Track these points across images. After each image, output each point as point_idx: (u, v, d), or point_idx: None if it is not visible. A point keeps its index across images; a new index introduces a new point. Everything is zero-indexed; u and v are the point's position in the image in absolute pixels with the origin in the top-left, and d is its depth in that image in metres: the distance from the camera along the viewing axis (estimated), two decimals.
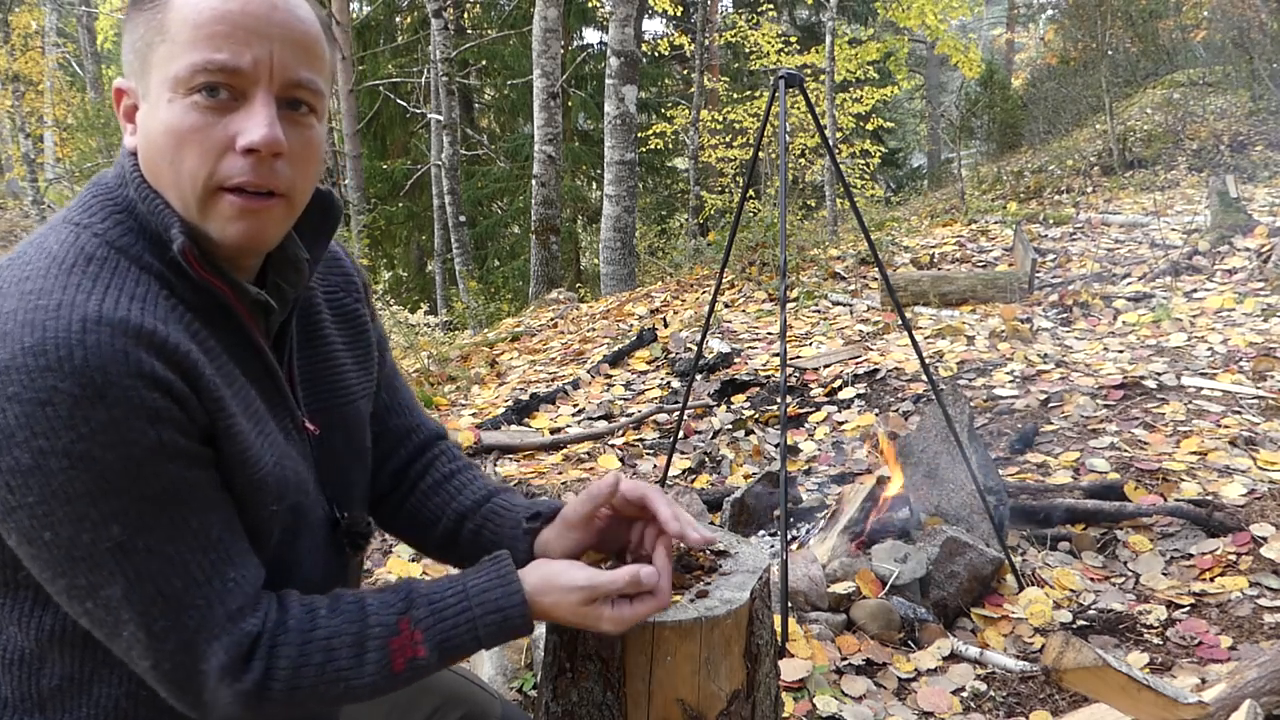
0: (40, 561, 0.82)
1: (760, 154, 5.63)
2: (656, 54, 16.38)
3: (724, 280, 5.39)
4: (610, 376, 5.11)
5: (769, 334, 5.49)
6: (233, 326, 0.93)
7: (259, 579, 0.90)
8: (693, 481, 3.69)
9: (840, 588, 2.49)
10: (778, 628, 2.20)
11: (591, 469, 3.85)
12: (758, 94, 15.82)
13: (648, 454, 4.04)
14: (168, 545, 0.83)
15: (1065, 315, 5.40)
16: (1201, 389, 3.92)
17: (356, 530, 1.09)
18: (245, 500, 0.90)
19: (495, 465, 3.90)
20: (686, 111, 14.66)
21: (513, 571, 1.00)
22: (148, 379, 0.80)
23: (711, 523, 2.98)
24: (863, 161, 15.60)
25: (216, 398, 0.86)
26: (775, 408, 4.31)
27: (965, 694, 2.26)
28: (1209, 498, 3.05)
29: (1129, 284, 5.83)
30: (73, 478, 0.78)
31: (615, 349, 5.53)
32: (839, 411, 4.22)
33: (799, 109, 12.33)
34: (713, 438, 4.11)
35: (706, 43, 14.33)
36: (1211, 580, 2.68)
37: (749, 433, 4.12)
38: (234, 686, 0.86)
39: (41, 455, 0.77)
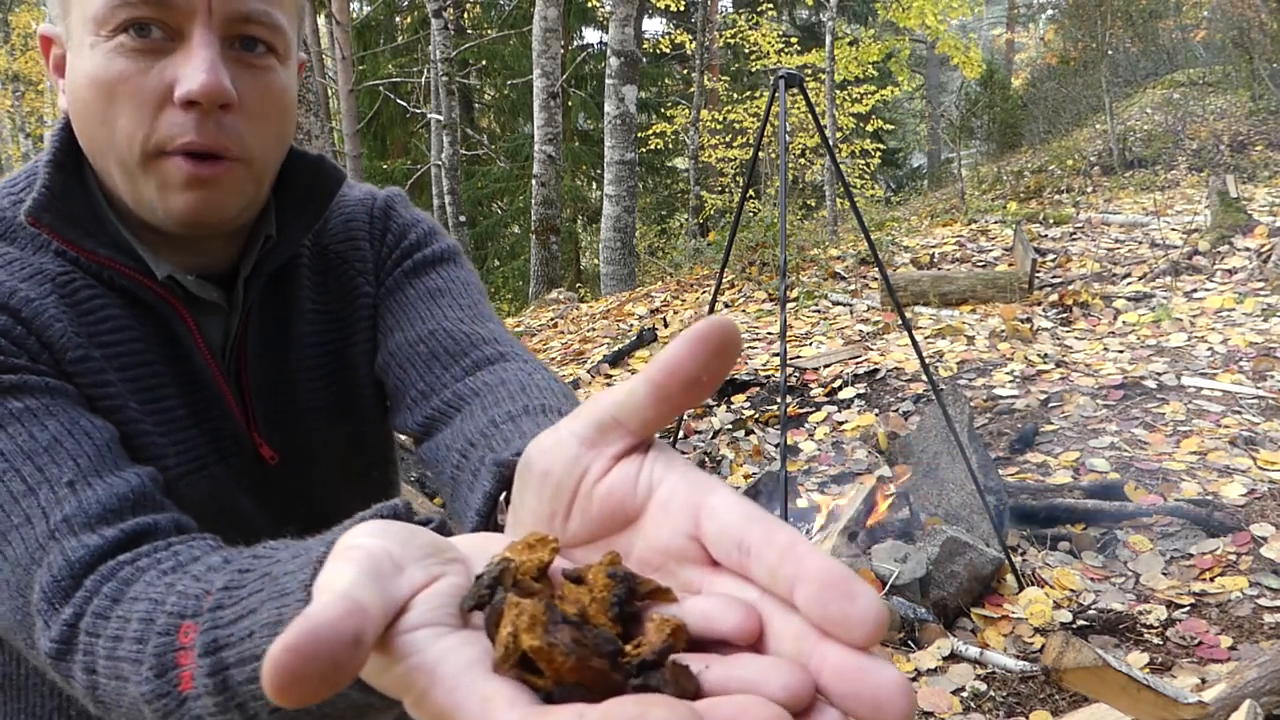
0: None
1: (760, 154, 5.63)
2: (656, 54, 16.38)
3: (724, 280, 5.39)
4: (610, 376, 5.11)
5: (769, 334, 5.49)
6: (155, 317, 0.76)
7: (129, 490, 0.64)
8: None
9: None
10: None
11: None
12: (758, 94, 15.83)
13: None
14: None
15: (1065, 315, 5.40)
16: (1201, 389, 3.92)
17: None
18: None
19: None
20: (686, 111, 14.66)
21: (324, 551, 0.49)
22: None
23: None
24: (863, 161, 15.60)
25: (79, 358, 0.70)
26: (775, 408, 4.31)
27: (965, 694, 2.26)
28: (1209, 498, 3.05)
29: (1129, 284, 5.83)
30: None
31: (615, 349, 5.52)
32: (839, 411, 4.22)
33: (799, 109, 12.33)
34: (713, 438, 4.11)
35: (706, 42, 14.34)
36: (1211, 580, 2.68)
37: (749, 433, 4.12)
38: (45, 637, 0.58)
39: None
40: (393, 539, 0.35)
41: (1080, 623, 2.56)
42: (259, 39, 0.71)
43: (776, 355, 4.37)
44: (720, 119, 15.34)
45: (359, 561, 0.33)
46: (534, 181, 9.61)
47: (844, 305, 6.11)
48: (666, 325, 6.12)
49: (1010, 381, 4.25)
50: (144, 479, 0.65)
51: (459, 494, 0.69)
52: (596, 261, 11.44)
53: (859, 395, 4.31)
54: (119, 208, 0.75)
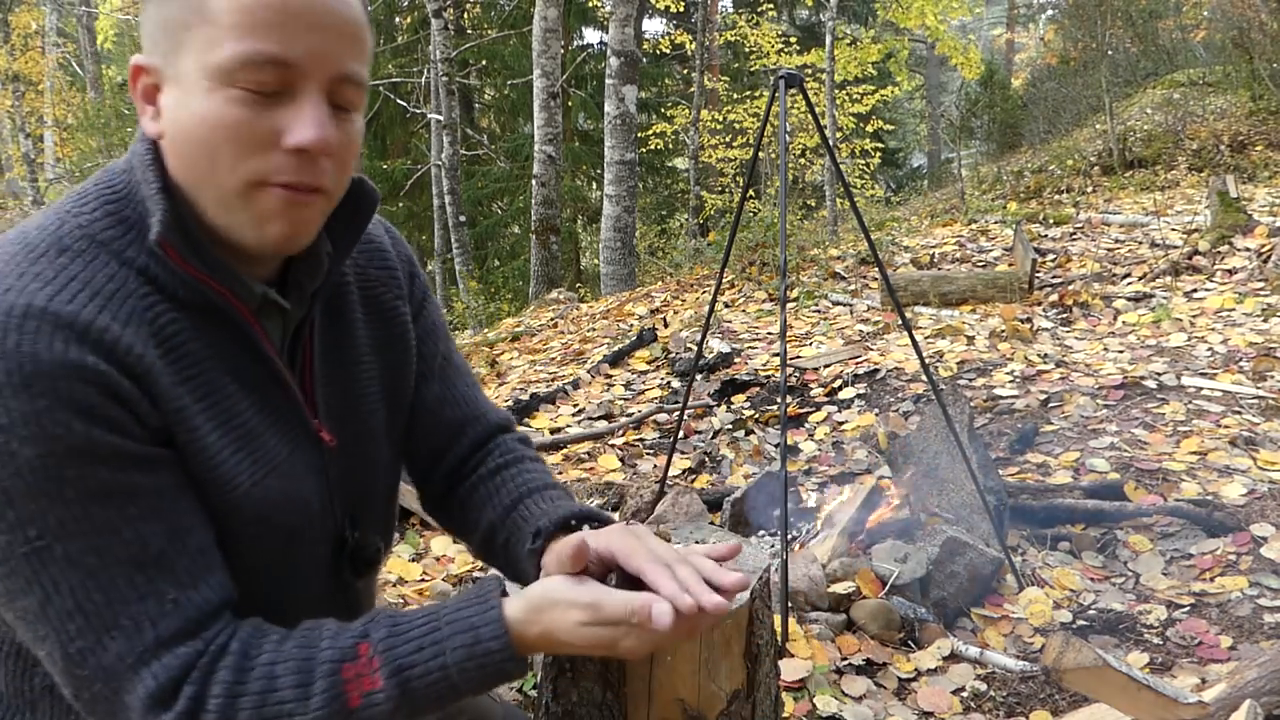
0: None
1: (760, 154, 5.63)
2: (657, 54, 16.38)
3: (724, 280, 5.39)
4: (610, 376, 5.11)
5: (769, 334, 5.49)
6: (230, 328, 0.85)
7: (216, 601, 0.80)
8: (693, 481, 3.69)
9: (840, 588, 2.49)
10: (778, 628, 2.20)
11: (592, 469, 3.85)
12: (758, 94, 15.83)
13: (648, 454, 4.04)
14: (90, 556, 0.74)
15: (1065, 315, 5.40)
16: (1201, 389, 3.92)
17: (363, 554, 1.00)
18: (217, 521, 0.83)
19: None
20: (686, 111, 14.66)
21: (492, 591, 0.85)
22: (84, 374, 0.73)
23: (711, 523, 2.99)
24: (863, 161, 15.60)
25: (176, 409, 0.79)
26: (775, 408, 4.31)
27: (965, 694, 2.26)
28: (1209, 498, 3.05)
29: (1129, 284, 5.83)
30: None
31: (615, 349, 5.53)
32: (839, 411, 4.22)
33: (799, 109, 12.33)
34: (713, 438, 4.11)
35: (706, 42, 14.34)
36: (1211, 580, 2.69)
37: (749, 433, 4.12)
38: (162, 718, 0.75)
39: None
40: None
41: (1080, 623, 2.56)
42: (348, 97, 0.83)
43: (776, 355, 4.37)
44: (720, 119, 15.34)
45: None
46: (534, 181, 9.61)
47: (844, 305, 6.11)
48: (666, 325, 6.12)
49: (1010, 381, 4.25)
50: (227, 589, 0.81)
51: (515, 536, 1.02)
52: (596, 261, 11.43)
53: (859, 395, 4.31)
54: (206, 229, 0.83)
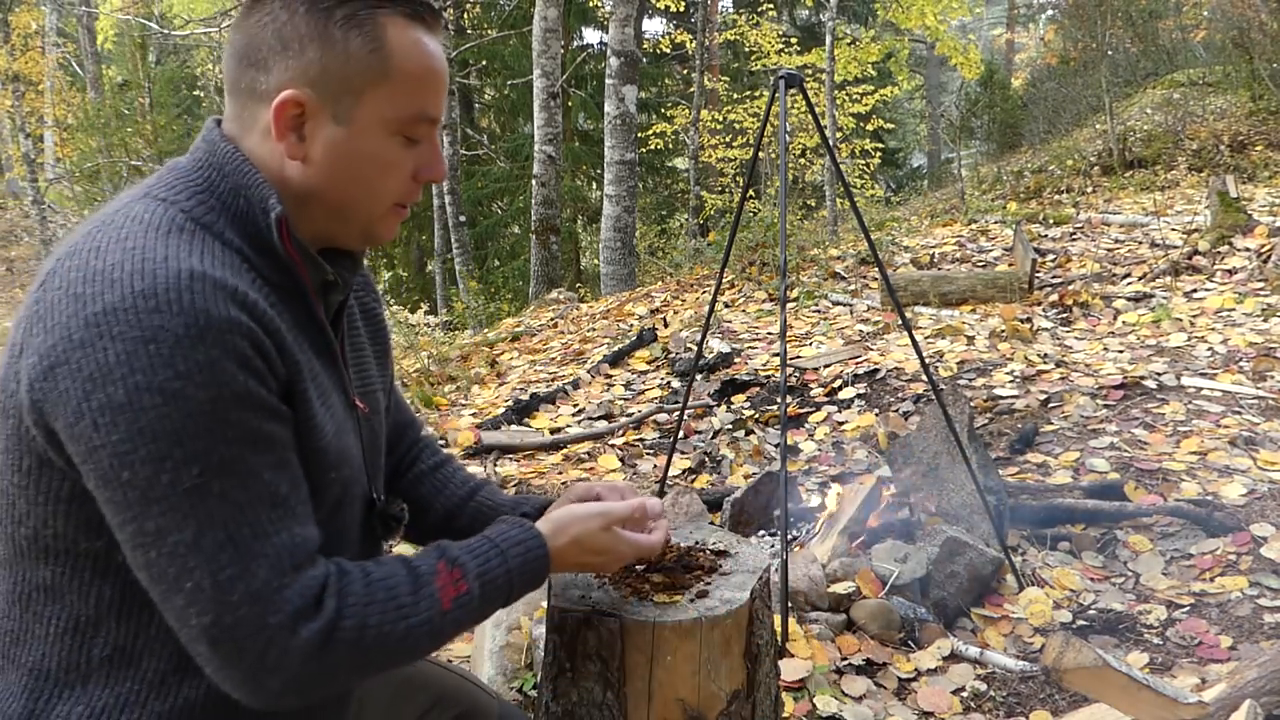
0: (114, 505, 0.83)
1: (760, 154, 5.63)
2: (657, 54, 16.38)
3: (724, 280, 5.39)
4: (610, 376, 5.11)
5: (769, 334, 5.49)
6: (302, 303, 0.98)
7: (318, 542, 0.92)
8: (693, 481, 3.69)
9: (840, 588, 2.49)
10: (778, 628, 2.20)
11: (592, 469, 3.85)
12: (758, 94, 15.83)
13: (648, 454, 4.04)
14: (240, 493, 0.84)
15: (1065, 315, 5.40)
16: (1201, 389, 3.92)
17: (391, 513, 1.14)
18: (308, 468, 0.94)
19: (495, 465, 3.91)
20: (686, 111, 14.66)
21: (527, 520, 1.09)
22: (241, 329, 0.84)
23: (711, 522, 2.98)
24: (863, 161, 15.60)
25: (295, 361, 0.91)
26: (775, 408, 4.31)
27: (965, 694, 2.26)
28: (1209, 498, 3.05)
29: (1129, 284, 5.83)
30: (163, 415, 0.81)
31: (615, 349, 5.52)
32: (839, 411, 4.22)
33: (799, 109, 12.32)
34: (713, 438, 4.11)
35: (706, 42, 14.34)
36: (1211, 580, 2.69)
37: (749, 433, 4.12)
38: (308, 628, 0.86)
39: (136, 391, 0.80)
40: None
41: (1080, 623, 2.56)
42: None
43: (776, 355, 4.37)
44: (720, 119, 15.34)
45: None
46: (534, 181, 9.61)
47: (844, 305, 6.11)
48: (666, 325, 6.12)
49: (1010, 381, 4.25)
50: (319, 532, 0.94)
51: (479, 518, 1.23)
52: (596, 261, 11.43)
53: (859, 395, 4.31)
54: (300, 226, 0.99)
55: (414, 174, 1.01)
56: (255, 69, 0.94)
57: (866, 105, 14.62)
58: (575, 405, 4.70)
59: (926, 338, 5.09)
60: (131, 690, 0.92)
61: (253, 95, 0.95)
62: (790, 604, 2.43)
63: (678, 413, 3.64)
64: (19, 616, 0.93)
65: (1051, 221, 7.80)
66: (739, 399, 4.54)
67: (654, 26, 19.14)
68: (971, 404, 3.33)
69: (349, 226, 1.01)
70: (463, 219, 11.77)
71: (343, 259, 1.05)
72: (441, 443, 4.16)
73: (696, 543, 1.34)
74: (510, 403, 4.73)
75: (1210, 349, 4.40)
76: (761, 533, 2.96)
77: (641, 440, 4.20)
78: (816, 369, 4.69)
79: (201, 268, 0.85)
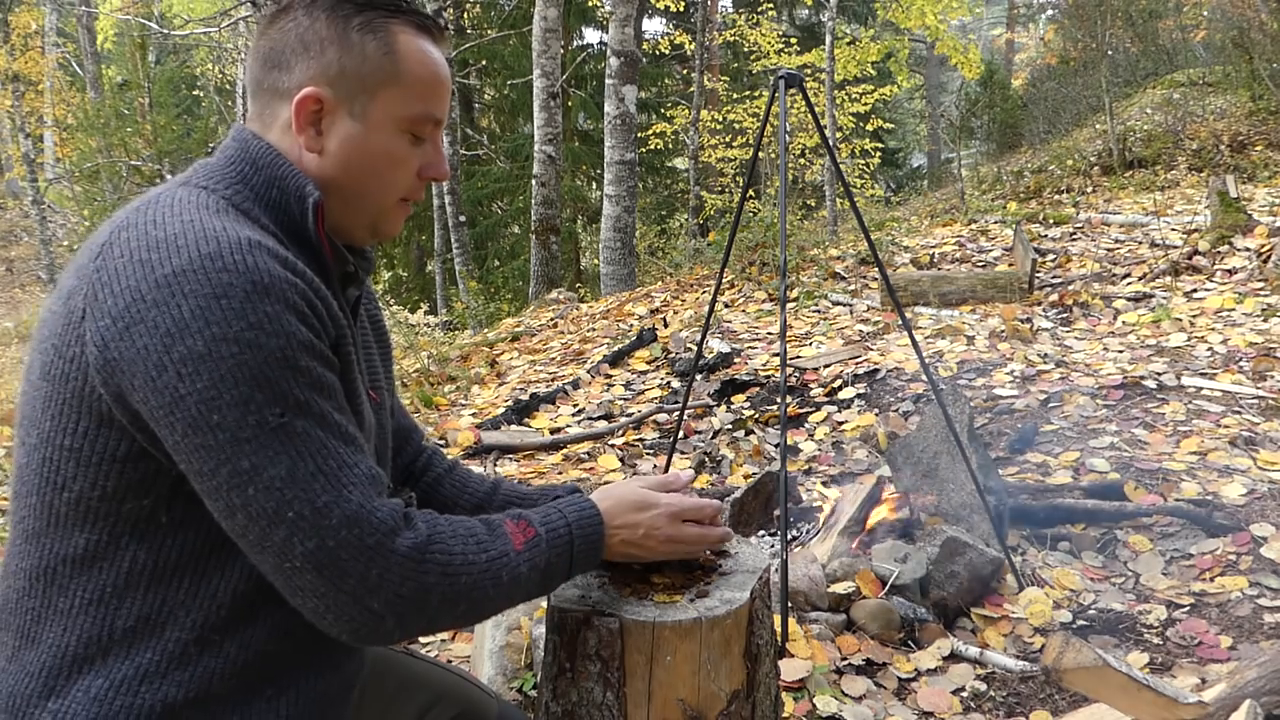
0: (204, 450, 0.87)
1: (760, 154, 5.63)
2: (656, 54, 16.38)
3: (724, 280, 5.39)
4: (610, 376, 5.11)
5: (769, 334, 5.49)
6: (328, 289, 1.03)
7: (385, 478, 0.99)
8: (693, 481, 3.69)
9: (840, 588, 2.49)
10: (778, 628, 2.20)
11: (591, 469, 3.85)
12: (758, 94, 15.83)
13: (648, 454, 4.04)
14: (319, 430, 0.91)
15: (1065, 315, 5.40)
16: (1201, 389, 3.92)
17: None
18: None
19: (495, 465, 3.91)
20: (686, 111, 14.66)
21: (578, 492, 1.19)
22: (297, 289, 0.91)
23: None
24: (863, 161, 15.60)
25: (340, 325, 0.98)
26: (775, 408, 4.31)
27: (965, 694, 2.26)
28: (1209, 498, 3.05)
29: (1129, 284, 5.83)
30: (242, 362, 0.86)
31: (615, 349, 5.52)
32: (839, 411, 4.22)
33: (799, 109, 12.33)
34: (713, 438, 4.11)
35: (706, 42, 14.34)
36: (1211, 580, 2.68)
37: (749, 433, 4.12)
38: (403, 541, 0.92)
39: (215, 342, 0.86)
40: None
41: (1080, 623, 2.56)
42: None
43: (776, 355, 4.37)
44: (720, 119, 15.34)
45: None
46: (534, 181, 9.61)
47: (844, 305, 6.11)
48: (666, 325, 6.12)
49: (1010, 381, 4.25)
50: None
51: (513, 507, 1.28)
52: (596, 261, 11.43)
53: (859, 395, 4.31)
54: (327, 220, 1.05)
55: (419, 171, 1.08)
56: (278, 70, 1.03)
57: (866, 105, 14.62)
58: (575, 405, 4.70)
59: (926, 338, 5.09)
60: (152, 661, 0.94)
61: (275, 94, 1.03)
62: (790, 604, 2.43)
63: (678, 413, 3.64)
64: (42, 593, 0.95)
65: (1051, 221, 7.80)
66: (739, 399, 4.54)
67: (654, 26, 19.16)
68: (971, 404, 3.33)
69: (359, 218, 1.07)
70: (463, 219, 11.77)
71: (358, 257, 1.12)
72: (441, 442, 4.16)
73: None
74: (510, 403, 4.73)
75: (1210, 349, 4.40)
76: (761, 533, 2.96)
77: (641, 440, 4.20)
78: (816, 369, 4.69)
79: (254, 236, 0.92)
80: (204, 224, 0.91)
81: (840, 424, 4.10)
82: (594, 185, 15.94)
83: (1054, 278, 6.25)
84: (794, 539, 2.94)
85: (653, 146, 15.18)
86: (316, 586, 0.90)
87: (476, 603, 0.99)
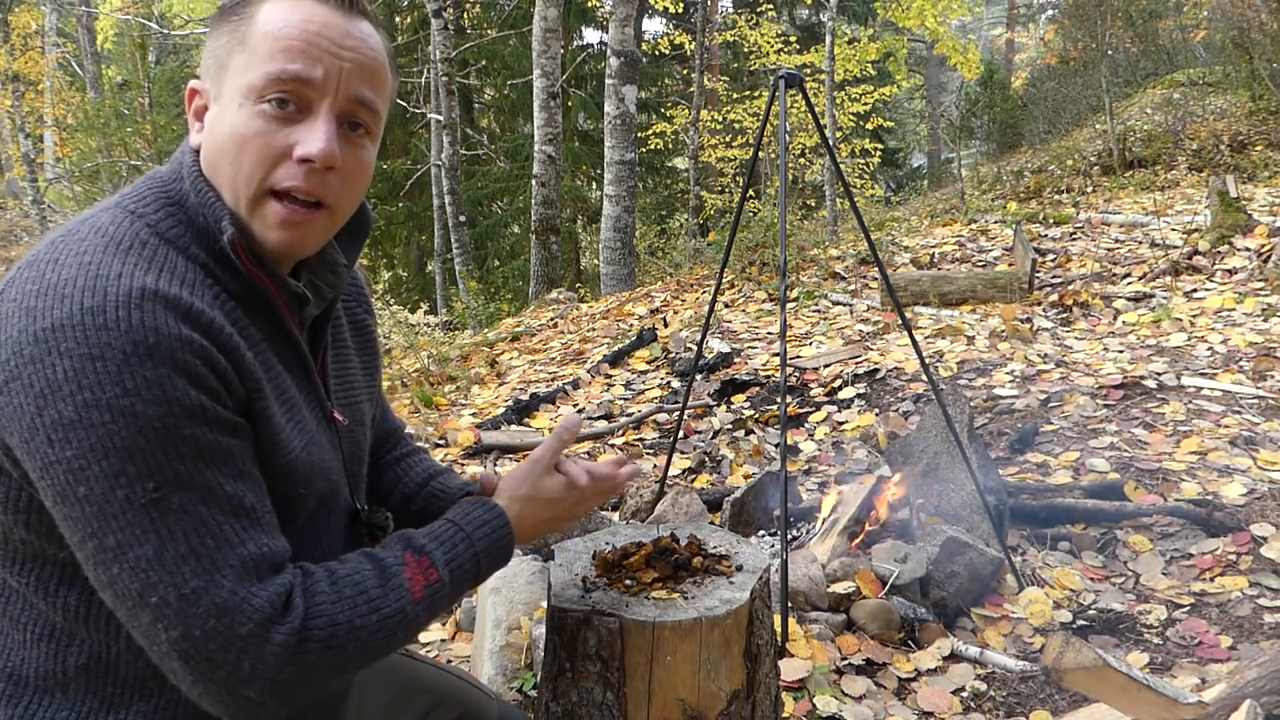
0: (73, 521, 0.82)
1: (760, 154, 5.62)
2: (656, 54, 16.37)
3: (724, 280, 5.39)
4: (610, 376, 5.11)
5: (769, 334, 5.49)
6: (271, 317, 0.98)
7: (287, 550, 0.91)
8: (693, 481, 3.69)
9: (840, 588, 2.49)
10: (778, 628, 2.20)
11: None
12: (758, 94, 15.83)
13: (648, 454, 4.04)
14: (201, 505, 0.84)
15: (1065, 315, 5.40)
16: (1201, 389, 3.92)
17: (375, 522, 1.15)
18: (275, 483, 0.94)
19: (495, 465, 3.90)
20: (686, 111, 14.66)
21: (484, 498, 1.12)
22: (192, 347, 0.84)
23: (711, 522, 2.98)
24: (863, 161, 15.60)
25: (255, 379, 0.91)
26: (775, 408, 4.31)
27: (965, 694, 2.26)
28: (1209, 498, 3.05)
29: (1129, 284, 5.83)
30: (113, 431, 0.80)
31: (615, 349, 5.52)
32: (839, 411, 4.22)
33: (799, 109, 12.33)
34: (713, 438, 4.11)
35: (706, 42, 14.33)
36: (1211, 580, 2.68)
37: (749, 433, 4.12)
38: (278, 632, 0.85)
39: (85, 408, 0.80)
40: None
41: (1080, 623, 2.56)
42: (362, 122, 0.97)
43: (776, 355, 4.37)
44: (720, 119, 15.34)
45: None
46: (534, 181, 9.61)
47: (844, 305, 6.11)
48: (666, 325, 6.12)
49: (1010, 381, 4.25)
50: (288, 544, 0.92)
51: (433, 503, 1.25)
52: (596, 261, 11.43)
53: (859, 395, 4.31)
54: (245, 232, 0.95)
55: (293, 152, 0.92)
56: None
57: (866, 105, 14.62)
58: (575, 405, 4.70)
59: (926, 338, 5.09)
60: (115, 693, 0.92)
61: None
62: (790, 604, 2.43)
63: (678, 413, 3.64)
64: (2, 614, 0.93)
65: (1051, 221, 7.80)
66: (739, 399, 4.54)
67: (654, 26, 19.16)
68: (971, 404, 3.33)
69: (249, 220, 0.95)
70: (463, 219, 11.76)
71: (321, 271, 1.05)
72: (441, 442, 4.16)
73: (670, 535, 1.33)
74: (510, 403, 4.73)
75: (1210, 349, 4.40)
76: (761, 533, 2.96)
77: (641, 440, 4.19)
78: (816, 369, 4.69)
79: (155, 285, 0.84)
80: (98, 270, 0.84)
81: (840, 424, 4.10)
82: (594, 185, 15.94)
83: (1054, 278, 6.25)
84: (794, 539, 2.94)
85: (653, 146, 15.18)
86: (184, 675, 0.84)
87: (369, 658, 0.93)
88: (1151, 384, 4.00)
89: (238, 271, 0.94)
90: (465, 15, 15.62)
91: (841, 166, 10.18)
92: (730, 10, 19.12)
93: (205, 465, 0.84)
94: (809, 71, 13.78)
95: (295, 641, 0.86)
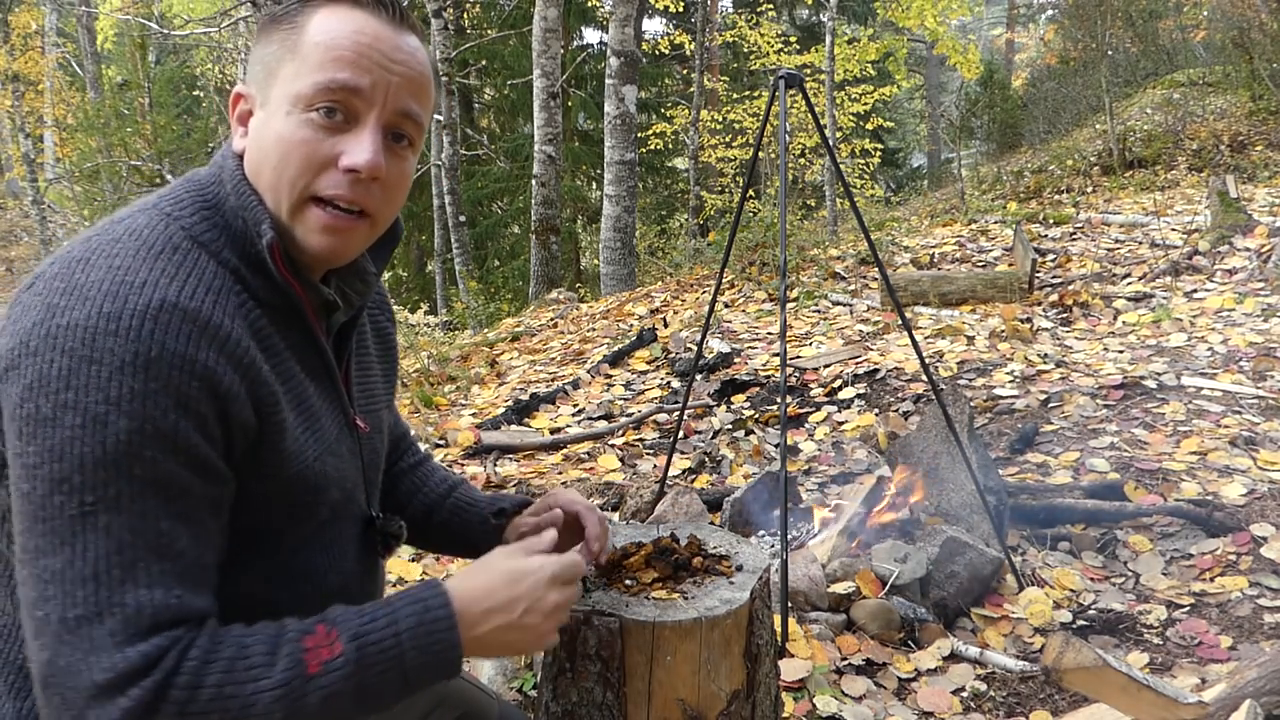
0: (16, 515, 0.82)
1: (760, 154, 5.62)
2: (656, 54, 16.37)
3: (724, 280, 5.39)
4: (610, 376, 5.11)
5: (769, 334, 5.49)
6: (299, 324, 0.98)
7: (208, 611, 0.86)
8: (693, 481, 3.69)
9: (840, 588, 2.49)
10: (778, 628, 2.20)
11: (591, 469, 3.85)
12: (758, 94, 15.83)
13: (648, 454, 4.04)
14: (126, 533, 0.80)
15: (1065, 315, 5.40)
16: (1201, 389, 3.92)
17: (389, 530, 1.13)
18: (285, 491, 0.94)
19: (495, 465, 3.90)
20: (686, 111, 14.66)
21: (435, 580, 0.96)
22: (196, 369, 0.83)
23: (711, 522, 2.98)
24: (862, 161, 15.60)
25: (270, 392, 0.90)
26: (775, 408, 4.31)
27: (965, 694, 2.26)
28: (1209, 498, 3.05)
29: (1129, 284, 5.83)
30: (77, 437, 0.79)
31: (615, 349, 5.52)
32: (839, 411, 4.22)
33: (799, 109, 12.33)
34: (713, 438, 4.11)
35: (706, 42, 14.33)
36: (1211, 580, 2.68)
37: (749, 433, 4.12)
38: (132, 693, 0.79)
39: (61, 409, 0.79)
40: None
41: (1080, 623, 2.56)
42: (406, 134, 0.97)
43: (776, 355, 4.37)
44: (720, 119, 15.34)
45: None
46: (534, 181, 9.61)
47: (844, 305, 6.11)
48: (666, 325, 6.12)
49: (1010, 381, 4.25)
50: (215, 609, 0.87)
51: (461, 515, 1.28)
52: (596, 261, 11.43)
53: (859, 395, 4.31)
54: (285, 238, 0.95)
55: (335, 160, 0.93)
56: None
57: (866, 105, 14.62)
58: (575, 405, 4.70)
59: (926, 338, 5.09)
60: None
61: None
62: (790, 604, 2.43)
63: (678, 413, 3.64)
64: (10, 610, 0.93)
65: (1051, 221, 7.80)
66: (739, 399, 4.54)
67: (654, 26, 19.15)
68: (971, 404, 3.33)
69: (292, 226, 0.95)
70: (463, 219, 11.76)
71: (351, 279, 1.05)
72: (441, 442, 4.16)
73: (670, 535, 1.33)
74: (510, 403, 4.73)
75: (1210, 349, 4.40)
76: (761, 533, 2.96)
77: (641, 440, 4.19)
78: (816, 369, 4.69)
79: (175, 298, 0.84)
80: (125, 275, 0.83)
81: (840, 424, 4.10)
82: (594, 185, 15.94)
83: (1054, 278, 6.25)
84: (794, 539, 2.94)
85: (653, 146, 15.18)
86: (41, 702, 0.81)
87: None
88: (1151, 384, 4.00)
89: (270, 277, 0.93)
90: (465, 15, 15.61)
91: (841, 166, 10.19)
92: (730, 10, 19.12)
93: (152, 494, 0.81)
94: (809, 71, 13.78)
95: (149, 700, 0.79)
